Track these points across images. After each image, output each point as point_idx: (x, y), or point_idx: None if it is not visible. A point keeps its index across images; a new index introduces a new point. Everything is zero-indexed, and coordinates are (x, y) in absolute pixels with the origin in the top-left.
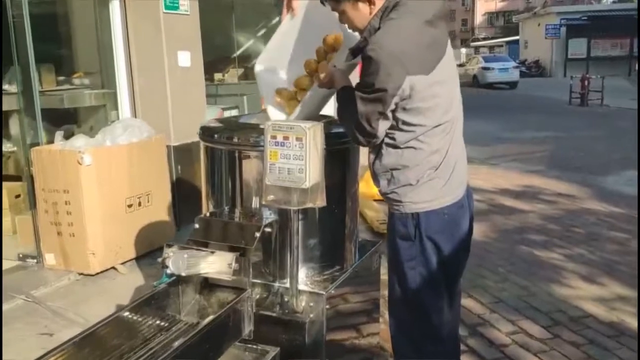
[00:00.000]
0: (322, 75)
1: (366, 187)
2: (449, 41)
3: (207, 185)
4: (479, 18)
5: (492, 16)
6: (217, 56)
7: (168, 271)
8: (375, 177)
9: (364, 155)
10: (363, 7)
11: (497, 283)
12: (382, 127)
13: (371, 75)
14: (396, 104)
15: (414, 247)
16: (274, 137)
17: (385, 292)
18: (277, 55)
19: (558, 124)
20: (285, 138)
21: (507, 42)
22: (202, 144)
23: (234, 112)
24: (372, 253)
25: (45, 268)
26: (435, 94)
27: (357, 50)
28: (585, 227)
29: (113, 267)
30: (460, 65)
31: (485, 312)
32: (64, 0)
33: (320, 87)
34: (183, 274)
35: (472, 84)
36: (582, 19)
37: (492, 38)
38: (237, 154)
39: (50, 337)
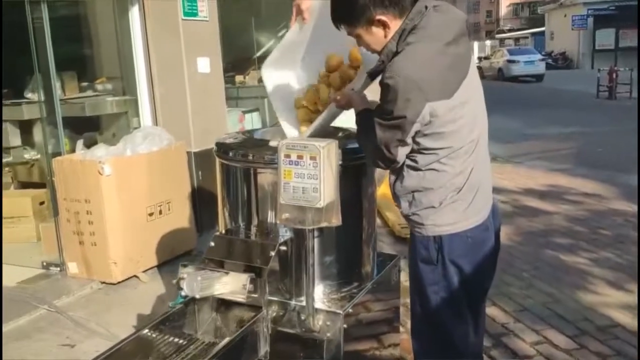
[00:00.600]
0: (338, 97)
1: (387, 188)
2: (472, 55)
3: (222, 202)
4: (503, 9)
5: (517, 7)
6: (238, 58)
7: (182, 293)
8: (397, 198)
9: None
10: (377, 31)
11: (521, 290)
12: (402, 152)
13: (389, 103)
14: (416, 131)
15: (436, 271)
16: (287, 155)
17: (406, 299)
18: (286, 66)
19: (585, 118)
20: (299, 157)
21: (533, 34)
22: (217, 161)
23: (255, 115)
24: (391, 267)
25: (68, 277)
26: (457, 117)
27: (375, 74)
28: (613, 229)
29: (135, 276)
30: (485, 58)
31: (509, 321)
32: (84, 7)
33: (337, 107)
34: (197, 296)
35: (497, 77)
36: (610, 8)
37: (518, 29)
38: (252, 172)
39: (72, 348)
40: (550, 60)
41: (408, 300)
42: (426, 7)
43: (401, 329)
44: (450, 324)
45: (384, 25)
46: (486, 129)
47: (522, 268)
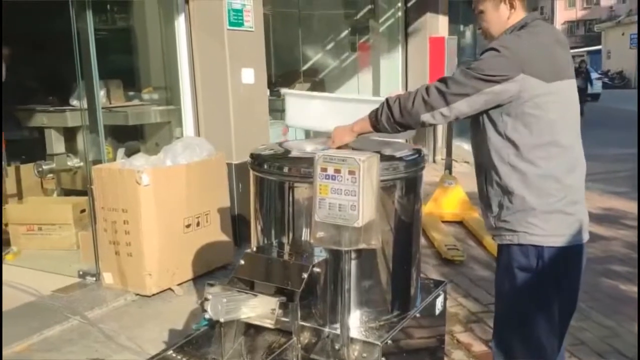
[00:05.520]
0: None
1: (435, 206)
2: (574, 75)
3: (255, 217)
4: (558, 27)
5: (572, 25)
6: (283, 70)
7: (206, 316)
8: (486, 201)
9: (426, 175)
10: (503, 11)
11: (577, 322)
12: (461, 106)
13: (484, 61)
14: (501, 106)
15: (533, 279)
16: (324, 169)
17: (452, 327)
18: None
19: None
20: (337, 171)
21: (589, 52)
22: (251, 173)
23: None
24: (436, 294)
25: (103, 287)
26: (550, 106)
27: None
28: None
29: (170, 289)
30: None
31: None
32: (131, 17)
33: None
34: (221, 320)
35: None
36: None
37: (573, 48)
38: (287, 186)
39: None
40: (606, 80)
41: (453, 328)
42: (537, 19)
43: (445, 359)
44: (544, 336)
45: (512, 5)
46: (582, 155)
47: (579, 298)
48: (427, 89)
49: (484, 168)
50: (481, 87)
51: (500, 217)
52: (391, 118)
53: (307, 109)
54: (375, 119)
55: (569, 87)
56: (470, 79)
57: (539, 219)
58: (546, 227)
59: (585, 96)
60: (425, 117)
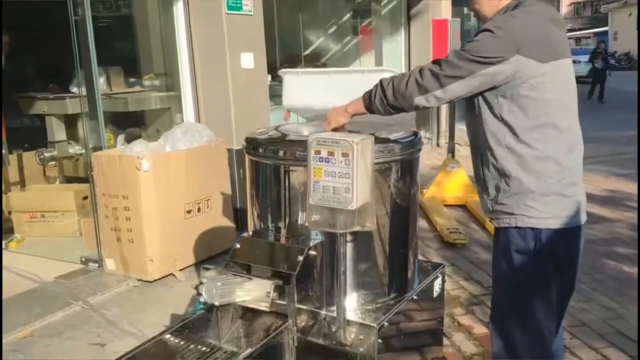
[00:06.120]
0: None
1: (437, 190)
2: (570, 54)
3: (252, 201)
4: (564, 8)
5: (578, 6)
6: (285, 55)
7: (202, 299)
8: (483, 184)
9: (430, 159)
10: None
11: (579, 303)
12: (455, 89)
13: (478, 43)
14: (496, 88)
15: (531, 261)
16: (317, 152)
17: (453, 310)
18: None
19: None
20: (330, 154)
21: (595, 34)
22: (246, 157)
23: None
24: (434, 276)
25: (105, 273)
26: (546, 87)
27: None
28: None
29: (172, 274)
30: None
31: (565, 337)
32: (130, 3)
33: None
34: (216, 303)
35: None
36: None
37: (579, 29)
38: (282, 169)
39: (102, 347)
40: (613, 61)
41: (454, 311)
42: None
43: (445, 341)
44: (543, 318)
45: None
46: (580, 136)
47: (581, 279)
48: (420, 71)
49: (480, 150)
50: (475, 69)
51: (498, 199)
52: (384, 100)
53: (305, 87)
54: (368, 100)
55: (566, 66)
56: (464, 61)
57: (536, 202)
58: (544, 210)
59: (605, 77)
60: (419, 100)
